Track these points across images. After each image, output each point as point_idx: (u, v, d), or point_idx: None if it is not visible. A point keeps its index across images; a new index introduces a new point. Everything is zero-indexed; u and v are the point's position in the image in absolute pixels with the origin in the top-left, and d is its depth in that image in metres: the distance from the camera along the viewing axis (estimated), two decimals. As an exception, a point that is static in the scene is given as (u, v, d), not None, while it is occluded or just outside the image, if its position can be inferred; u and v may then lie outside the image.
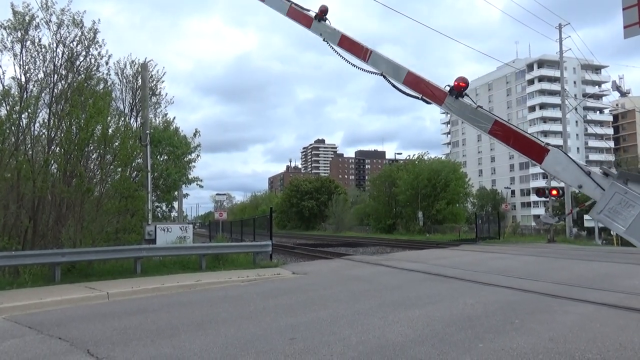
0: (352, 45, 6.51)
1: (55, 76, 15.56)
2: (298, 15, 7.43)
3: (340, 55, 6.76)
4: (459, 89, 5.21)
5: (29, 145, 15.22)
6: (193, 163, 26.32)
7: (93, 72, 16.78)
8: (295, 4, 7.57)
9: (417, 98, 5.68)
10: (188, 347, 6.43)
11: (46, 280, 12.43)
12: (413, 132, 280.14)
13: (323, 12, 6.94)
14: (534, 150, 4.79)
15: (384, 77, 6.07)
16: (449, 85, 5.36)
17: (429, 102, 5.59)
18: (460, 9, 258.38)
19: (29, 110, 14.83)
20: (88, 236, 14.90)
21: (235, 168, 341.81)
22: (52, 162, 15.32)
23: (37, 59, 15.22)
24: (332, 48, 6.82)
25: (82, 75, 16.40)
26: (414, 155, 57.08)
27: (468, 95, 5.29)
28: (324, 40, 6.90)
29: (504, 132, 4.97)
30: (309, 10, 7.31)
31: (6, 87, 15.03)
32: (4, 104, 14.88)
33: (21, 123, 14.84)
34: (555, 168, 4.63)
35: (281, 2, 7.79)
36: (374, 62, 6.21)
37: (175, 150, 25.13)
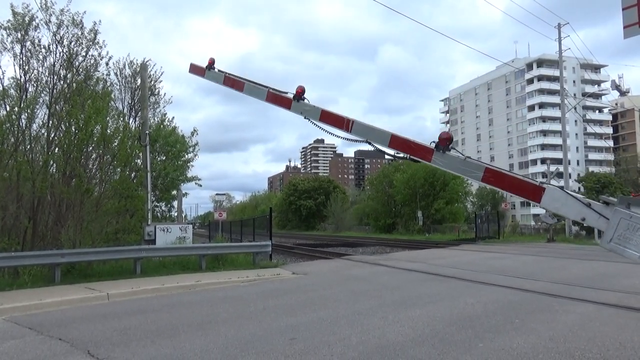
0: (334, 118, 6.62)
1: (55, 76, 15.57)
2: (277, 98, 7.53)
3: (324, 130, 6.88)
4: (445, 142, 5.24)
5: (28, 146, 15.21)
6: (191, 162, 26.40)
7: (92, 73, 16.78)
8: (273, 89, 7.67)
9: (405, 159, 5.74)
10: (188, 348, 6.43)
11: (46, 281, 12.43)
12: (414, 132, 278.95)
13: (301, 92, 7.03)
14: (530, 191, 4.79)
15: (369, 143, 6.16)
16: (434, 142, 5.39)
17: (417, 161, 5.64)
18: (462, 9, 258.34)
19: (28, 111, 14.83)
20: (88, 237, 14.90)
21: (236, 168, 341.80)
22: (52, 162, 15.32)
23: (36, 60, 15.23)
24: (315, 124, 6.91)
25: (82, 76, 16.40)
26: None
27: (454, 148, 5.32)
28: (305, 117, 7.00)
29: (496, 178, 4.98)
30: (286, 93, 7.38)
31: (5, 88, 15.05)
32: (3, 105, 14.89)
33: (20, 123, 14.84)
34: (555, 205, 4.62)
35: (259, 90, 7.90)
36: (356, 131, 6.29)
37: (172, 149, 25.19)
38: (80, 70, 16.35)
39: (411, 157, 5.62)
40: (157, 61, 71.48)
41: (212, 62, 8.98)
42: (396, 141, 5.75)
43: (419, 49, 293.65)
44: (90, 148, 16.24)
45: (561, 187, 4.73)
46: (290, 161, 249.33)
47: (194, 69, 9.77)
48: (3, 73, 15.01)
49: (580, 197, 4.55)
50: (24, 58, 15.00)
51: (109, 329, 7.62)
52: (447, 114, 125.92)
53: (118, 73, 22.25)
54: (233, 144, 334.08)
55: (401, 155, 5.77)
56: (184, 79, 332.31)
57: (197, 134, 26.46)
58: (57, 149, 15.51)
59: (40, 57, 15.26)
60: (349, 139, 6.48)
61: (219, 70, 8.83)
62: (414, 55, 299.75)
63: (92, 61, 16.46)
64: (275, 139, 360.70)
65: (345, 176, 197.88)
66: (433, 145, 5.37)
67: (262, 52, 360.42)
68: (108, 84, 18.80)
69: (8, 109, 14.79)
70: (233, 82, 8.39)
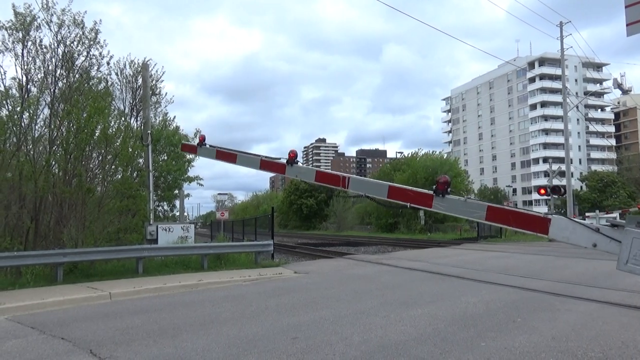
0: (329, 177, 6.70)
1: (56, 76, 15.59)
2: (270, 165, 7.63)
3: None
4: (443, 187, 5.27)
5: (30, 146, 15.25)
6: (192, 162, 26.45)
7: (94, 72, 16.83)
8: (265, 157, 7.78)
9: (406, 207, 5.78)
10: (190, 347, 6.43)
11: (48, 281, 12.45)
12: (417, 131, 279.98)
13: (293, 157, 7.14)
14: (536, 224, 4.72)
15: (368, 197, 6.22)
16: (431, 189, 5.42)
17: (418, 208, 5.69)
18: (466, 8, 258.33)
19: (30, 111, 14.86)
20: (90, 236, 14.92)
21: (239, 168, 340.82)
22: (54, 162, 15.34)
23: (38, 60, 15.26)
24: (311, 185, 7.02)
25: (83, 75, 16.42)
26: (408, 154, 57.18)
27: (454, 191, 5.34)
28: (301, 180, 7.09)
29: (500, 215, 4.93)
30: (279, 159, 7.47)
31: (7, 87, 15.08)
32: (5, 105, 14.92)
33: (22, 123, 14.87)
34: (564, 234, 4.53)
35: (252, 159, 8.02)
36: (354, 187, 6.35)
37: (175, 148, 25.23)
38: (82, 69, 16.37)
39: (412, 205, 5.66)
40: (161, 61, 72.17)
41: (203, 139, 9.20)
42: (394, 192, 5.79)
43: (424, 48, 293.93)
44: (92, 147, 16.26)
45: (565, 215, 4.67)
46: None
47: (186, 148, 10.07)
48: (4, 73, 15.05)
49: (587, 223, 4.47)
50: (25, 58, 15.04)
51: (111, 328, 7.62)
52: (449, 113, 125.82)
53: (119, 73, 22.28)
54: (236, 144, 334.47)
55: (402, 203, 5.81)
56: (188, 78, 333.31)
57: (200, 133, 26.59)
58: (59, 148, 15.54)
59: (42, 57, 15.30)
60: (351, 194, 6.58)
61: (210, 146, 9.01)
62: (418, 55, 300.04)
63: (94, 61, 16.52)
64: (278, 139, 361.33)
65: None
66: (432, 192, 5.38)
67: (266, 51, 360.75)
68: (109, 83, 18.83)
69: (10, 109, 14.83)
70: (225, 155, 8.57)
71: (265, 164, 7.58)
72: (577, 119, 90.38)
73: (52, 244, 14.45)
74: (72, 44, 15.81)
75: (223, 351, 6.23)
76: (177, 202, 28.34)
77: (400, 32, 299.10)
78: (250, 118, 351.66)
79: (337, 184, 6.48)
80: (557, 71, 73.49)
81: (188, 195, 30.68)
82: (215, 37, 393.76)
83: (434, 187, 5.28)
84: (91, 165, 16.61)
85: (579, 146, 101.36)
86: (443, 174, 49.88)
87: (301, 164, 7.12)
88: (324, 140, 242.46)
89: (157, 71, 23.15)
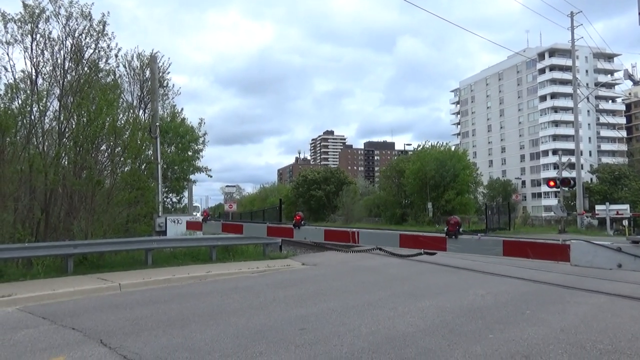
0: (338, 234, 6.73)
1: (65, 69, 15.64)
2: (278, 230, 7.77)
3: (329, 246, 7.05)
4: (454, 228, 5.24)
5: (40, 138, 15.34)
6: (201, 152, 26.63)
7: (102, 65, 16.86)
8: (271, 223, 7.93)
9: (420, 254, 5.77)
10: (199, 338, 6.48)
11: (59, 272, 12.57)
12: (428, 123, 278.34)
13: (299, 219, 7.21)
14: (556, 252, 4.62)
15: (380, 249, 6.22)
16: (443, 231, 5.41)
17: (432, 253, 5.64)
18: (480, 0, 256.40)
19: (40, 103, 14.94)
20: (99, 228, 15.02)
21: (249, 160, 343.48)
22: (63, 154, 15.44)
23: (46, 52, 15.30)
24: (320, 244, 7.09)
25: (91, 68, 16.46)
26: (418, 146, 57.08)
27: (466, 231, 5.31)
28: (310, 241, 7.14)
29: (517, 248, 4.85)
30: (285, 223, 7.57)
31: (17, 80, 15.16)
32: (15, 98, 15.00)
33: (32, 116, 14.96)
34: (587, 259, 4.43)
35: (258, 227, 8.20)
36: (364, 240, 6.36)
37: (182, 139, 25.40)
38: (90, 62, 16.41)
39: (425, 251, 5.63)
40: (175, 55, 72.10)
41: (207, 215, 9.39)
42: (406, 240, 5.78)
43: (438, 40, 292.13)
44: (101, 140, 16.34)
45: (585, 240, 4.57)
46: (299, 153, 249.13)
47: (191, 226, 10.41)
48: (13, 66, 15.11)
49: (607, 243, 4.39)
50: (34, 51, 15.09)
51: (121, 319, 7.70)
52: (458, 105, 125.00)
53: (126, 65, 22.33)
54: (247, 136, 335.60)
55: (417, 251, 5.79)
56: (202, 71, 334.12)
57: (204, 123, 26.83)
58: (68, 141, 15.62)
59: (51, 49, 15.34)
60: (362, 249, 6.60)
61: (214, 220, 9.19)
62: (432, 47, 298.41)
63: (102, 53, 16.53)
64: (289, 131, 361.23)
65: (355, 168, 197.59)
66: (444, 234, 5.36)
67: (278, 44, 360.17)
68: (117, 75, 18.88)
69: (20, 101, 14.92)
70: (231, 228, 8.79)
71: (272, 230, 7.69)
72: (588, 111, 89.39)
73: (62, 236, 14.56)
74: (80, 37, 15.84)
75: (231, 341, 6.27)
76: (186, 194, 28.53)
77: (414, 24, 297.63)
78: (262, 110, 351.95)
79: (346, 239, 6.52)
80: (568, 62, 72.64)
81: (195, 182, 30.87)
82: (228, 30, 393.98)
83: (446, 229, 5.26)
84: (100, 158, 16.69)
85: (589, 138, 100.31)
86: (452, 166, 49.30)
87: (307, 226, 7.13)
88: (332, 132, 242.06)
89: (164, 63, 23.20)
